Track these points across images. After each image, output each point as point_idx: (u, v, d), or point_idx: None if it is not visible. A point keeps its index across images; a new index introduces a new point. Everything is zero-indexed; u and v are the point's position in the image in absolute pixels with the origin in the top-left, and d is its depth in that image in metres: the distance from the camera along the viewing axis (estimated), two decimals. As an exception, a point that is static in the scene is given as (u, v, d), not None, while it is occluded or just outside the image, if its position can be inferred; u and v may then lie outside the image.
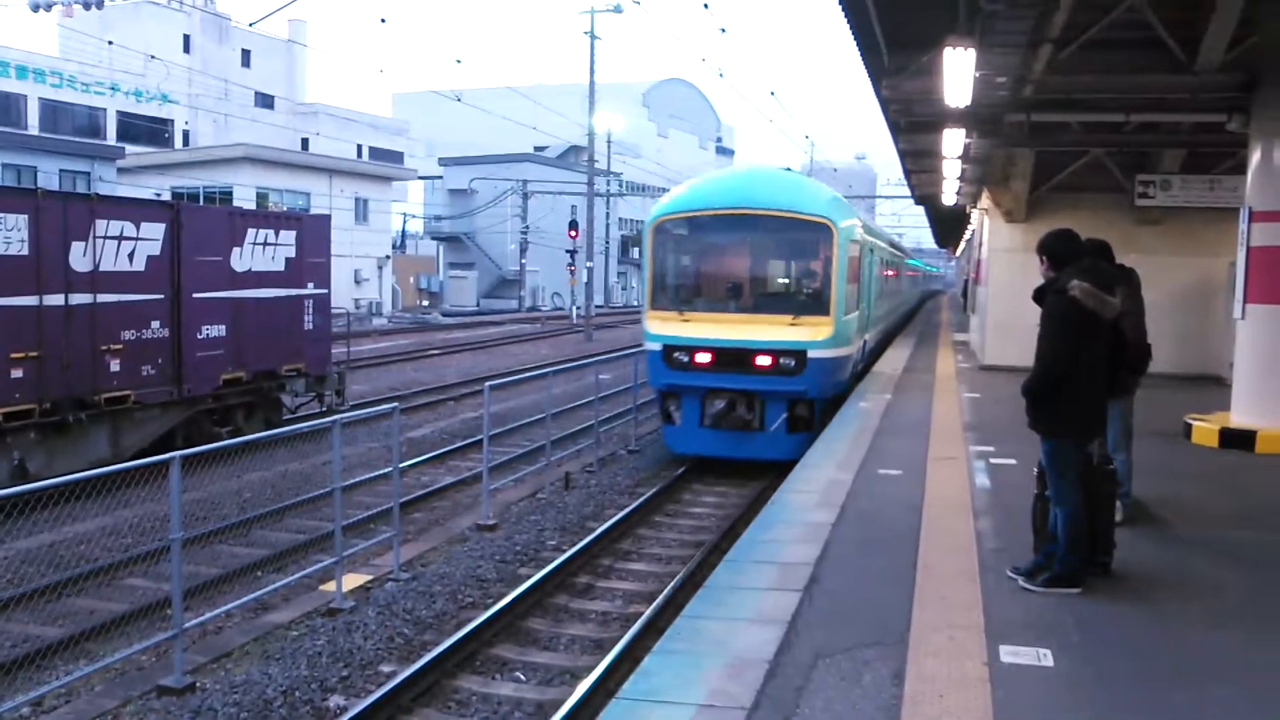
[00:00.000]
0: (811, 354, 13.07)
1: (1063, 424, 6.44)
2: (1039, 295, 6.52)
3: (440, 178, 71.83)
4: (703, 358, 13.28)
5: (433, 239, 71.44)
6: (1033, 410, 6.51)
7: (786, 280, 14.99)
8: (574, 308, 48.31)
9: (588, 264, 42.86)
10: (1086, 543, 6.47)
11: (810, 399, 13.28)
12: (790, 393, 13.13)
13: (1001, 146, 16.03)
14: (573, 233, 45.95)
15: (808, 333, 13.19)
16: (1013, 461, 10.65)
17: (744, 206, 13.96)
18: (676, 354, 13.43)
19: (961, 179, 20.83)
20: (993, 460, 10.80)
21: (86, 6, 21.08)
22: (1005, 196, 20.00)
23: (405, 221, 72.30)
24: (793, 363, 13.02)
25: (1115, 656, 5.43)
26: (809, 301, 13.84)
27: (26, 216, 11.38)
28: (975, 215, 28.06)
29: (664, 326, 13.74)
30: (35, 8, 21.35)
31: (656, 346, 13.66)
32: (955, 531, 7.85)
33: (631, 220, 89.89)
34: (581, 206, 47.50)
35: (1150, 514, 8.47)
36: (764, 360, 13.06)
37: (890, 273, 26.01)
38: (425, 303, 60.97)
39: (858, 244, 15.10)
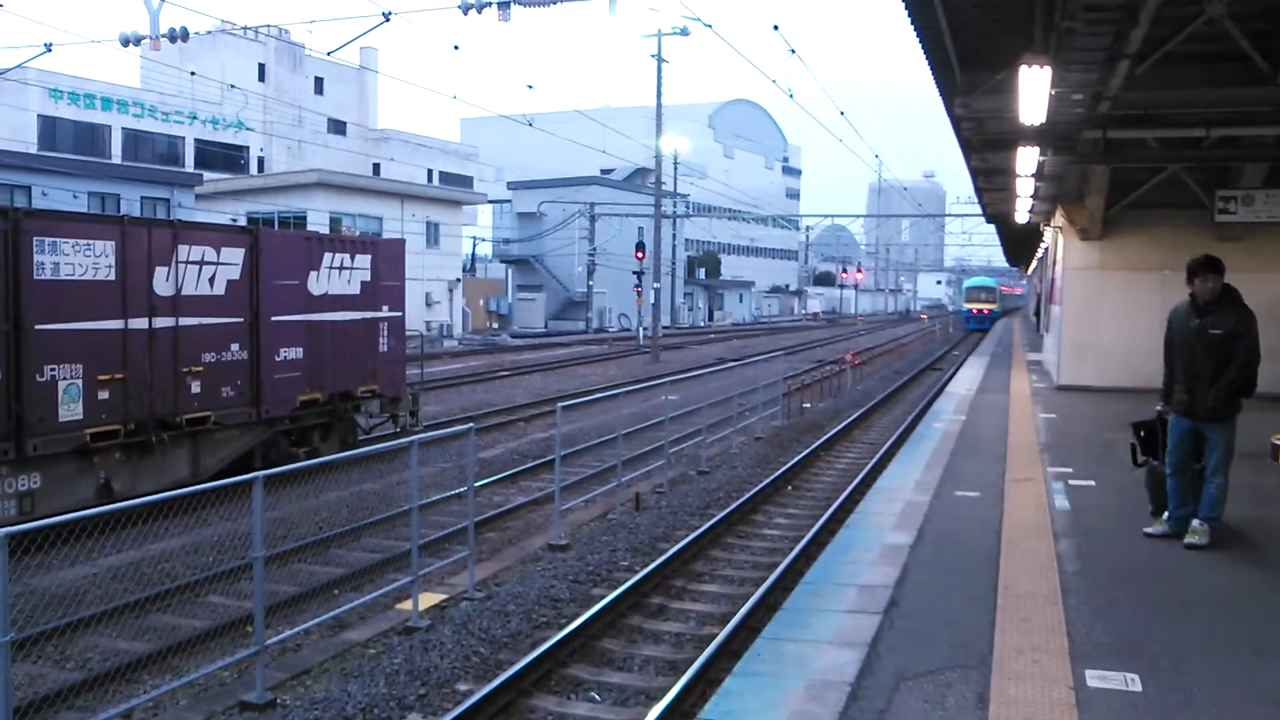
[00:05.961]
0: (995, 310, 73.64)
1: None
2: None
3: (509, 201, 72.68)
4: (976, 311, 72.67)
5: (501, 262, 72.17)
6: None
7: (987, 296, 74.83)
8: (641, 329, 48.40)
9: (655, 285, 42.95)
10: None
11: (995, 318, 71.69)
12: (991, 316, 71.40)
13: (1077, 164, 15.76)
14: (640, 254, 46.13)
15: (993, 307, 73.13)
16: (1091, 483, 10.47)
17: (979, 285, 79.26)
18: (971, 311, 73.21)
19: (1035, 196, 20.51)
20: (1071, 482, 10.62)
21: (172, 39, 21.66)
22: (1080, 214, 19.68)
23: (475, 245, 73.19)
24: (992, 312, 72.27)
25: (1205, 682, 5.30)
26: (991, 300, 74.23)
27: (114, 243, 11.69)
28: (1049, 233, 27.64)
29: (968, 305, 74.82)
30: (125, 42, 22.02)
31: (965, 309, 76.10)
32: (1035, 553, 7.72)
33: (698, 241, 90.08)
34: (649, 228, 47.66)
35: (1238, 537, 8.27)
36: (985, 311, 71.87)
37: (1004, 289, 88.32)
38: (494, 325, 61.56)
39: (998, 291, 79.28)
